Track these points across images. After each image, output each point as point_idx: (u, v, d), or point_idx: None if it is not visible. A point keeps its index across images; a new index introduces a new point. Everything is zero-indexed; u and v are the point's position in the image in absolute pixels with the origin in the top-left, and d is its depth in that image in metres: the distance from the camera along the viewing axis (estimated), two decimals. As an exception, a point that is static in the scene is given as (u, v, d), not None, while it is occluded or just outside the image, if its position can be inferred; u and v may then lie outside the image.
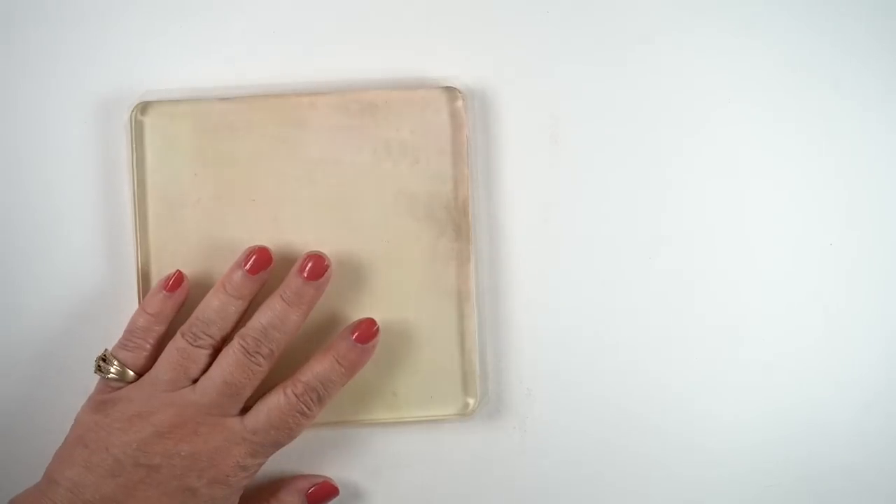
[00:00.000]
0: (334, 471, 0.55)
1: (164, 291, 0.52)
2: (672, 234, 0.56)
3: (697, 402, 0.56)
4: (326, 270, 0.52)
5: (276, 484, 0.54)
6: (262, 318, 0.51)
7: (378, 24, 0.56)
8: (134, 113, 0.54)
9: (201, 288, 0.53)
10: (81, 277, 0.55)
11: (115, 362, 0.51)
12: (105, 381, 0.52)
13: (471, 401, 0.54)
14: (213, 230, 0.54)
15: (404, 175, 0.54)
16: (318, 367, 0.51)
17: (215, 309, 0.51)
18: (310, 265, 0.52)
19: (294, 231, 0.54)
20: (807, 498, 0.57)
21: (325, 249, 0.54)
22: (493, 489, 0.56)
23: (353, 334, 0.52)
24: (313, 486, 0.54)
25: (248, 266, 0.52)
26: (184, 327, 0.51)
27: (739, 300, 0.56)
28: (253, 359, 0.50)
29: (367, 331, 0.52)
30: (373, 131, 0.54)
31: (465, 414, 0.54)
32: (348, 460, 0.56)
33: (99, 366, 0.52)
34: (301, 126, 0.54)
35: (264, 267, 0.52)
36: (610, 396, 0.56)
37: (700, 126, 0.56)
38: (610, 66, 0.56)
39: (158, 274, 0.54)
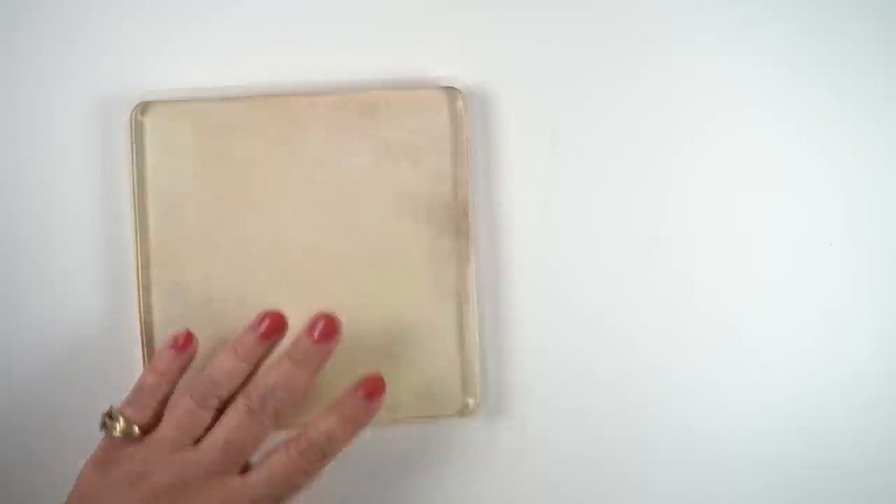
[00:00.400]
0: (334, 471, 0.55)
1: (173, 351, 0.52)
2: (672, 233, 0.56)
3: (697, 402, 0.56)
4: (337, 332, 0.51)
5: None
6: (268, 377, 0.50)
7: (378, 25, 0.56)
8: (134, 113, 0.54)
9: (202, 287, 0.54)
10: (81, 277, 0.55)
11: (122, 419, 0.50)
12: (110, 438, 0.51)
13: (471, 401, 0.54)
14: (213, 230, 0.54)
15: (404, 175, 0.54)
16: (322, 425, 0.50)
17: (226, 371, 0.51)
18: (321, 326, 0.51)
19: (294, 231, 0.54)
20: (806, 497, 0.57)
21: (324, 250, 0.54)
22: (493, 489, 0.56)
23: (359, 391, 0.51)
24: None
25: (261, 330, 0.51)
26: (192, 387, 0.51)
27: (739, 300, 0.56)
28: (257, 419, 0.50)
29: (374, 387, 0.51)
30: (373, 132, 0.54)
31: (464, 414, 0.54)
32: (348, 461, 0.55)
33: (105, 423, 0.51)
34: (301, 126, 0.54)
35: (278, 332, 0.51)
36: (610, 396, 0.56)
37: (700, 126, 0.56)
38: (610, 66, 0.56)
39: (159, 277, 0.54)
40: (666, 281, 0.56)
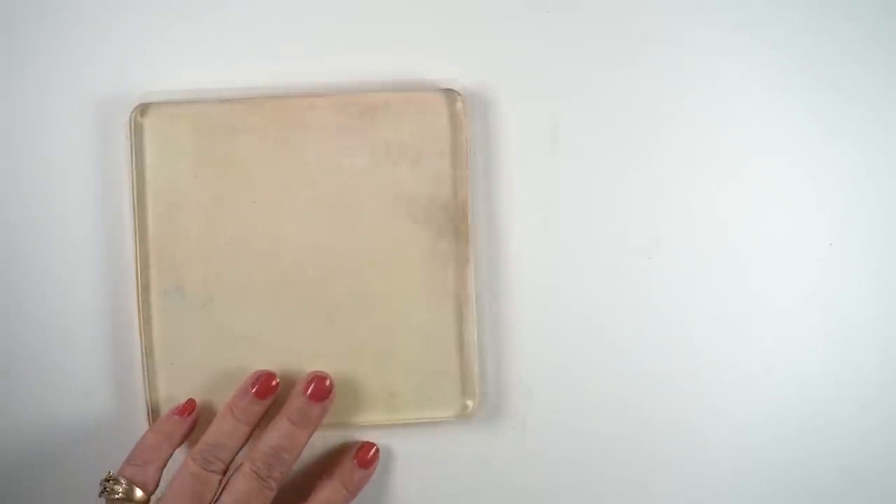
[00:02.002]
0: (334, 471, 0.56)
1: (177, 415, 0.52)
2: (671, 233, 0.56)
3: (697, 403, 0.56)
4: (330, 392, 0.52)
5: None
6: (270, 440, 0.51)
7: (378, 26, 0.56)
8: (133, 115, 0.54)
9: (202, 287, 0.54)
10: (80, 278, 0.55)
11: (123, 481, 0.50)
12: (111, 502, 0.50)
13: (469, 403, 0.55)
14: (212, 231, 0.54)
15: (404, 177, 0.54)
16: (323, 494, 0.52)
17: (225, 434, 0.51)
18: (312, 386, 0.52)
19: (294, 232, 0.54)
20: (806, 497, 0.57)
21: (324, 251, 0.54)
22: (493, 489, 0.56)
23: (354, 458, 0.54)
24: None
25: (254, 390, 0.52)
26: (193, 453, 0.51)
27: (739, 300, 0.56)
28: (266, 483, 0.50)
29: (365, 456, 0.54)
30: (372, 133, 0.54)
31: (463, 416, 0.55)
32: (348, 461, 0.56)
33: (104, 487, 0.50)
34: (301, 128, 0.54)
35: (271, 392, 0.52)
36: (609, 396, 0.56)
37: (700, 126, 0.56)
38: (610, 65, 0.56)
39: (158, 277, 0.54)
40: (666, 281, 0.56)
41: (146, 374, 0.54)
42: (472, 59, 0.56)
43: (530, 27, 0.56)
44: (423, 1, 0.56)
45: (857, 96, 0.56)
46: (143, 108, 0.54)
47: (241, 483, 0.50)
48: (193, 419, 0.53)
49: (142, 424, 0.54)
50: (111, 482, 0.50)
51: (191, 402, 0.53)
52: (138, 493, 0.50)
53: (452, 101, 0.54)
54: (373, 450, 0.54)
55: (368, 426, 0.55)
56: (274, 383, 0.53)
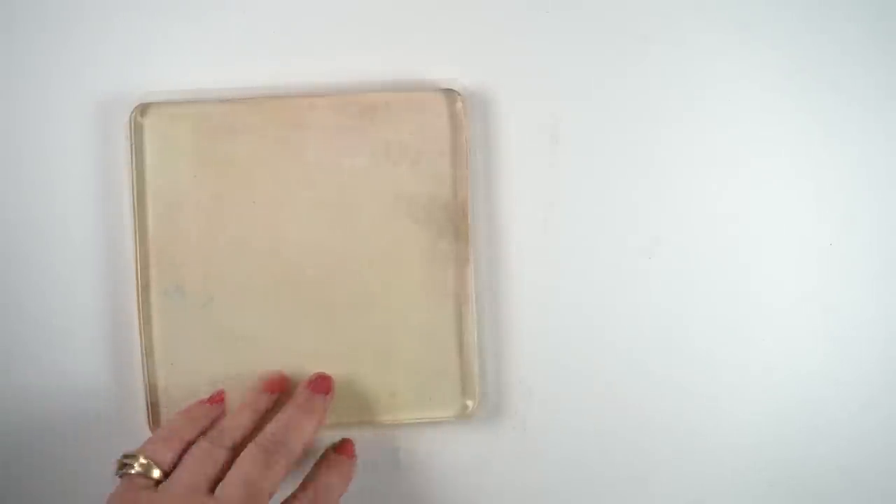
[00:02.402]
0: (334, 471, 0.56)
1: (207, 403, 0.53)
2: (672, 234, 0.56)
3: (697, 403, 0.56)
4: (331, 386, 0.54)
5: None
6: (277, 423, 0.51)
7: (378, 27, 0.56)
8: (133, 115, 0.54)
9: (202, 288, 0.54)
10: (80, 278, 0.55)
11: (142, 457, 0.49)
12: (128, 479, 0.49)
13: (469, 403, 0.55)
14: (212, 231, 0.54)
15: (404, 177, 0.54)
16: (322, 479, 0.52)
17: (234, 417, 0.52)
18: (316, 379, 0.53)
19: (294, 232, 0.54)
20: (806, 497, 0.57)
21: (324, 251, 0.54)
22: (493, 489, 0.56)
23: (337, 451, 0.54)
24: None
25: (265, 385, 0.53)
26: (205, 435, 0.51)
27: (739, 300, 0.56)
28: (272, 458, 0.50)
29: (345, 449, 0.54)
30: (372, 133, 0.54)
31: (463, 416, 0.55)
32: (348, 461, 0.56)
33: (123, 463, 0.49)
34: (301, 128, 0.54)
35: (280, 387, 0.54)
36: (609, 397, 0.56)
37: (700, 126, 0.56)
38: (610, 65, 0.56)
39: (158, 277, 0.54)
40: (665, 281, 0.56)
41: (146, 374, 0.54)
42: (472, 59, 0.56)
43: (530, 27, 0.56)
44: (423, 1, 0.56)
45: (857, 97, 0.56)
46: (143, 108, 0.54)
47: (249, 459, 0.49)
48: (221, 409, 0.53)
49: (142, 424, 0.54)
50: (129, 457, 0.49)
51: (220, 392, 0.53)
52: (156, 472, 0.49)
53: (452, 101, 0.54)
54: (349, 443, 0.54)
55: (368, 426, 0.55)
56: (284, 381, 0.54)
